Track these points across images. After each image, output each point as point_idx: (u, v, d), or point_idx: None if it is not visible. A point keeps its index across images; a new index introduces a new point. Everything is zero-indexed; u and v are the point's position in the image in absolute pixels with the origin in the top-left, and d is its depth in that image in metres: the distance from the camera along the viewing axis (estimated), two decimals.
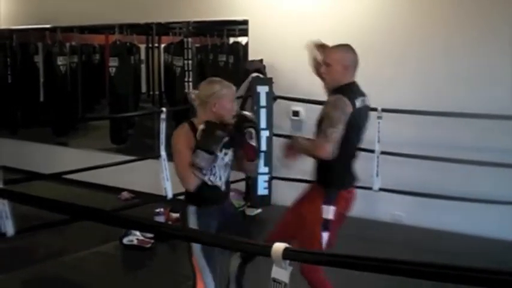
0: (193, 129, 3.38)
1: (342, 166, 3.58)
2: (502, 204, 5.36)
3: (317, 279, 3.53)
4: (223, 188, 3.56)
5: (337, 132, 3.37)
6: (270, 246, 1.97)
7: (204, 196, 3.48)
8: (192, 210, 3.47)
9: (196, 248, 3.40)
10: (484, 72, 5.65)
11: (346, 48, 3.70)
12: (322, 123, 3.46)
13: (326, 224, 3.49)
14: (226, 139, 3.31)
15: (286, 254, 1.94)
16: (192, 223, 3.45)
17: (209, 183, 3.45)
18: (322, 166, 3.57)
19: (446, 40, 5.78)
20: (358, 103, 3.52)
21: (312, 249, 3.25)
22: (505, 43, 5.54)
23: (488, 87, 5.59)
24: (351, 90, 3.54)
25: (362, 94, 3.63)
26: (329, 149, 3.36)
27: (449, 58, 5.76)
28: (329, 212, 3.49)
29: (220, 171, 3.49)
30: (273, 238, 3.35)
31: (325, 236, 3.48)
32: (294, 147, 3.61)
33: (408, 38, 5.97)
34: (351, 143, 3.55)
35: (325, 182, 3.60)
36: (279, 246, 1.94)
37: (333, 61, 3.60)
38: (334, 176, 3.57)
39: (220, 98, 3.38)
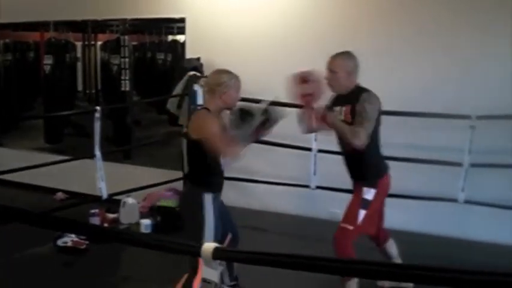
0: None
1: (376, 156, 4.07)
2: (437, 200, 5.46)
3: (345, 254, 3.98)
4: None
5: (372, 125, 3.85)
6: (200, 246, 1.95)
7: (218, 182, 3.75)
8: (209, 198, 3.63)
9: (209, 239, 3.55)
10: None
11: (348, 54, 4.04)
12: (357, 115, 3.85)
13: (365, 204, 3.98)
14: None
15: (216, 254, 1.92)
16: (209, 210, 3.62)
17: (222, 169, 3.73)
18: (359, 162, 4.03)
19: (388, 38, 5.89)
20: None
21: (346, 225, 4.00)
22: (445, 43, 5.68)
23: (432, 87, 5.71)
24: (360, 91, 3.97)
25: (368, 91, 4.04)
26: (364, 140, 3.78)
27: (392, 57, 5.86)
28: (369, 193, 3.98)
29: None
30: None
31: (362, 213, 3.97)
32: (328, 119, 3.91)
33: (351, 33, 6.02)
34: (379, 135, 4.03)
35: (365, 174, 4.04)
36: (208, 246, 1.92)
37: (337, 68, 3.96)
38: (372, 168, 4.04)
39: (229, 88, 3.65)
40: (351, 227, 3.97)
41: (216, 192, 3.71)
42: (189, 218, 3.75)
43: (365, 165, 4.03)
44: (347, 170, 4.18)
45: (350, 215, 4.02)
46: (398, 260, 4.42)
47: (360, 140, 3.77)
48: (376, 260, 1.68)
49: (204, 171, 3.69)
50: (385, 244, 4.42)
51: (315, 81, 3.95)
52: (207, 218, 3.61)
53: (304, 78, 3.95)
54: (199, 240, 3.50)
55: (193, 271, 3.59)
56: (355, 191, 4.10)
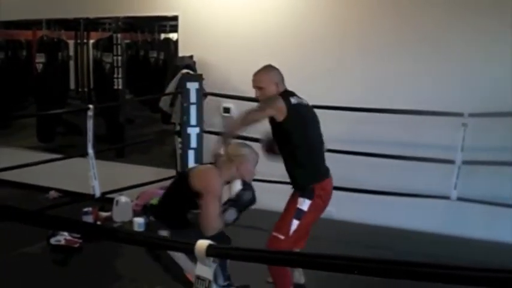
0: None
1: (309, 163, 3.97)
2: (430, 198, 5.47)
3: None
4: None
5: (258, 115, 3.85)
6: (194, 244, 1.95)
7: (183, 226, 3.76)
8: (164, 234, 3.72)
9: None
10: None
11: (269, 68, 4.09)
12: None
13: (299, 214, 3.88)
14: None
15: (210, 251, 1.92)
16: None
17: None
18: (291, 169, 3.99)
19: (379, 37, 5.90)
20: (293, 100, 3.90)
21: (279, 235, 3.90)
22: (437, 41, 5.70)
23: (425, 84, 5.73)
24: (283, 94, 3.93)
25: (295, 95, 4.00)
26: (238, 119, 3.97)
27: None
28: (304, 203, 3.88)
29: None
30: None
31: (295, 223, 3.87)
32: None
33: (344, 30, 6.04)
34: (303, 140, 3.92)
35: (298, 183, 3.98)
36: (202, 244, 1.92)
37: (264, 83, 3.97)
38: (305, 175, 3.95)
39: (247, 162, 3.78)
40: (282, 237, 3.88)
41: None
42: None
43: (297, 172, 3.99)
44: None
45: (283, 224, 3.94)
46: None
47: (240, 117, 3.94)
48: (373, 257, 1.69)
49: (174, 214, 3.78)
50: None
51: None
52: None
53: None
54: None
55: None
56: (292, 199, 4.04)
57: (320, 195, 3.93)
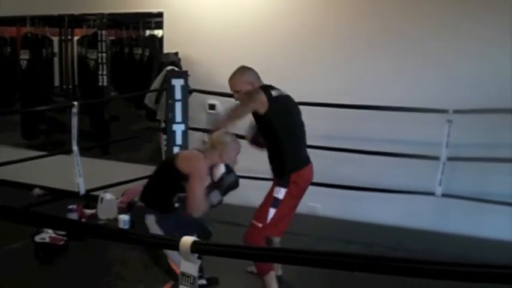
0: None
1: (288, 153, 4.05)
2: (415, 194, 5.49)
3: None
4: None
5: (242, 110, 4.00)
6: (178, 240, 1.94)
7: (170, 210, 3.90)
8: (152, 219, 3.80)
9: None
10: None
11: (242, 70, 4.16)
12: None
13: (275, 202, 4.01)
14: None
15: (195, 248, 1.92)
16: (155, 229, 3.76)
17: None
18: (271, 158, 4.10)
19: (364, 34, 5.92)
20: (274, 92, 3.98)
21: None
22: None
23: (410, 81, 5.76)
24: (263, 88, 4.03)
25: (275, 88, 4.07)
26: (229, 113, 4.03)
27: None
28: (279, 192, 4.01)
29: None
30: None
31: (272, 211, 4.01)
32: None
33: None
34: (286, 130, 4.02)
35: (277, 171, 4.10)
36: (186, 240, 1.92)
37: (238, 86, 4.08)
38: (283, 164, 4.05)
39: (230, 149, 3.90)
40: (260, 225, 4.05)
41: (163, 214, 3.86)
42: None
43: (276, 161, 4.11)
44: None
45: (260, 212, 4.09)
46: None
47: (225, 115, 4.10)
48: (356, 252, 1.69)
49: (161, 198, 3.88)
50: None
51: None
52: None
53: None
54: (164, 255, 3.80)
55: (175, 280, 3.68)
56: (271, 188, 4.15)
57: (295, 182, 4.03)
